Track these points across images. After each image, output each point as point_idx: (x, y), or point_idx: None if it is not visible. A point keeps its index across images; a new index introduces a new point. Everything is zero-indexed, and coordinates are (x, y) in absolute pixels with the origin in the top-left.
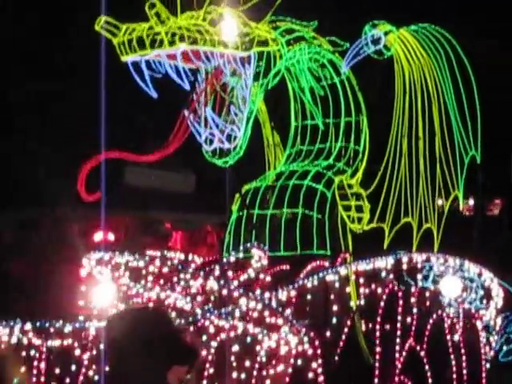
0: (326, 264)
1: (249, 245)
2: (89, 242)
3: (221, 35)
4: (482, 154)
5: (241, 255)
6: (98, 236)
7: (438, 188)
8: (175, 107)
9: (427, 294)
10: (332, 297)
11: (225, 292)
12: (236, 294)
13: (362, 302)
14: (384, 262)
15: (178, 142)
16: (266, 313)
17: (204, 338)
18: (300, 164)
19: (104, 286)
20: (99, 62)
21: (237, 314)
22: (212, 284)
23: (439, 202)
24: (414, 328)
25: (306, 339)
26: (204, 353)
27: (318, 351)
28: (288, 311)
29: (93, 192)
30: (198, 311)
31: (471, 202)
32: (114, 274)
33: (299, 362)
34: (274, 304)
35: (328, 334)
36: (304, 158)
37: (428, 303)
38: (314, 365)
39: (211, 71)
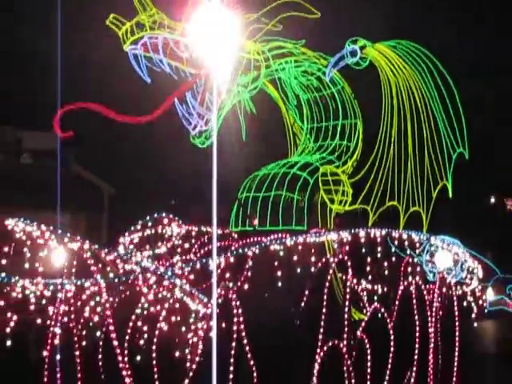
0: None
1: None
2: None
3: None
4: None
5: None
6: None
7: (427, 178)
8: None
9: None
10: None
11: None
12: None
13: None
14: (335, 236)
15: (158, 114)
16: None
17: None
18: (301, 157)
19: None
20: None
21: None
22: None
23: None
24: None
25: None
26: None
27: None
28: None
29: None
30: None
31: None
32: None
33: None
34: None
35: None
36: (309, 153)
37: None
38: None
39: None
